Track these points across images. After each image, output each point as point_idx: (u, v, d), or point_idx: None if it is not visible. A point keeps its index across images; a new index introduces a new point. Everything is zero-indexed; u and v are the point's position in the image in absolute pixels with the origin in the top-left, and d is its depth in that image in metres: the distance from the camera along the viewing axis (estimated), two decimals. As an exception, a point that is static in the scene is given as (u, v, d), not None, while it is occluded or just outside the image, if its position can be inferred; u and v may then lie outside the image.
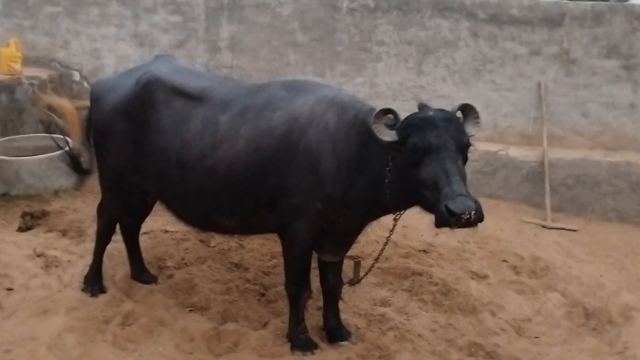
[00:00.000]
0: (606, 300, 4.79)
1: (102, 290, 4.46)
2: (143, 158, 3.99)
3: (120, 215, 4.52)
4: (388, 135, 3.22)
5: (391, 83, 7.13)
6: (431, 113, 3.27)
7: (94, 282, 4.47)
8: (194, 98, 3.90)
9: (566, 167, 6.46)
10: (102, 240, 4.55)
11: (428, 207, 3.26)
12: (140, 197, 4.38)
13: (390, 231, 3.93)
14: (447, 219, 3.00)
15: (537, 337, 4.36)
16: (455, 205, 2.97)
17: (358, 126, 3.59)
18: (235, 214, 3.90)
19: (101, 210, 4.53)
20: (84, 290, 4.43)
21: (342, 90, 3.93)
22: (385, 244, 4.10)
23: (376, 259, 4.26)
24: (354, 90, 7.15)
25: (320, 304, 4.29)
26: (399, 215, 3.73)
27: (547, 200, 6.40)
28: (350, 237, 4.05)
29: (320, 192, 3.61)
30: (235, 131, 3.74)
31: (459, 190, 3.03)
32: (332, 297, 4.18)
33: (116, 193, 4.37)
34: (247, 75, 7.32)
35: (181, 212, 4.18)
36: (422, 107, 3.44)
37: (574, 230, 6.25)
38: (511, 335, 4.36)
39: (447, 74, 6.96)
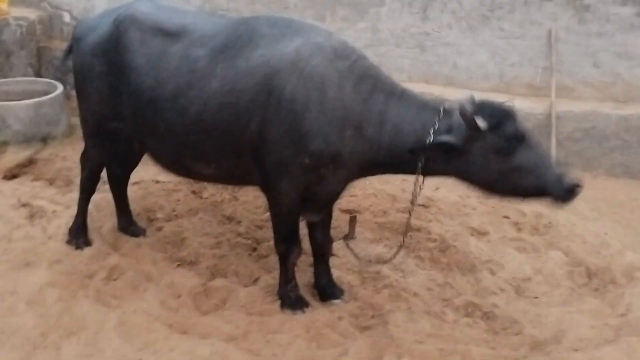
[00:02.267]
0: (610, 260, 4.62)
1: (88, 242, 4.31)
2: (121, 100, 3.78)
3: (103, 163, 4.36)
4: (481, 123, 3.16)
5: (394, 29, 6.79)
6: (505, 103, 3.38)
7: (78, 235, 4.32)
8: (172, 35, 3.66)
9: (574, 120, 6.18)
10: (86, 190, 4.38)
11: (495, 187, 3.37)
12: (125, 145, 4.16)
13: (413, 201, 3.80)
14: (572, 193, 3.25)
15: (536, 298, 4.21)
16: (574, 179, 3.23)
17: (355, 79, 3.40)
18: (211, 161, 3.68)
19: (84, 159, 4.36)
20: (68, 242, 4.28)
21: (333, 35, 3.61)
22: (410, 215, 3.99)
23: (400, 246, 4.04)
24: (355, 36, 6.84)
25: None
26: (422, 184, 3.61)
27: (553, 154, 6.16)
28: (334, 196, 3.83)
29: (307, 147, 3.38)
30: (211, 69, 3.49)
31: (559, 170, 3.28)
32: (321, 254, 4.03)
33: (98, 140, 4.18)
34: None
35: (157, 156, 3.98)
36: (471, 101, 3.32)
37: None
38: (510, 295, 4.22)
39: (453, 20, 6.61)
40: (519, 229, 5.16)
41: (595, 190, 6.00)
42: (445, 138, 3.25)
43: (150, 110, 3.67)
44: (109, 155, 4.28)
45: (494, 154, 3.23)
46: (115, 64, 3.78)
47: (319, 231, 3.99)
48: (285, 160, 3.44)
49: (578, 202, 5.67)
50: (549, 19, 6.34)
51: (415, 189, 3.62)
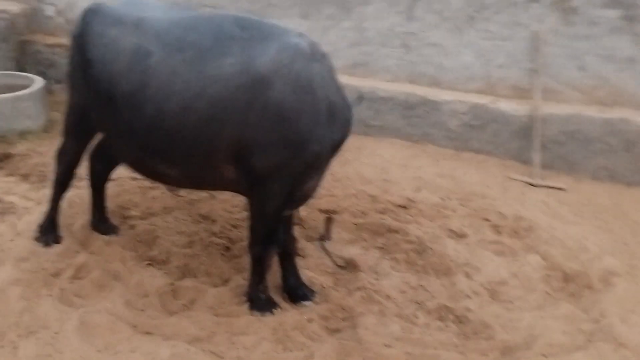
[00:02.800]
0: (587, 265, 4.56)
1: (57, 240, 4.23)
2: (87, 94, 3.73)
3: (79, 160, 4.26)
4: None
5: (380, 28, 6.73)
6: None
7: (48, 232, 4.24)
8: (128, 26, 3.57)
9: (558, 123, 6.13)
10: (60, 186, 4.30)
11: None
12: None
13: None
14: None
15: (511, 302, 4.15)
16: None
17: (329, 76, 3.47)
18: (175, 163, 3.59)
19: (61, 154, 4.26)
20: (37, 239, 4.21)
21: (302, 34, 3.52)
22: None
23: None
24: (340, 34, 6.81)
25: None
26: None
27: (537, 156, 6.12)
28: (315, 189, 3.81)
29: (304, 151, 3.36)
30: (170, 69, 3.38)
31: None
32: (287, 254, 3.95)
33: (76, 134, 4.12)
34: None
35: (120, 154, 3.92)
36: None
37: (563, 189, 5.98)
38: (484, 299, 4.16)
39: (439, 20, 6.56)
40: (499, 232, 5.10)
41: (579, 194, 5.95)
42: None
43: (108, 106, 3.60)
44: (83, 152, 4.21)
45: None
46: (82, 56, 3.72)
47: (283, 230, 3.90)
48: (278, 165, 3.39)
49: (560, 206, 5.69)
50: (535, 20, 6.29)
51: None
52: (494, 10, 6.39)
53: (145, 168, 3.79)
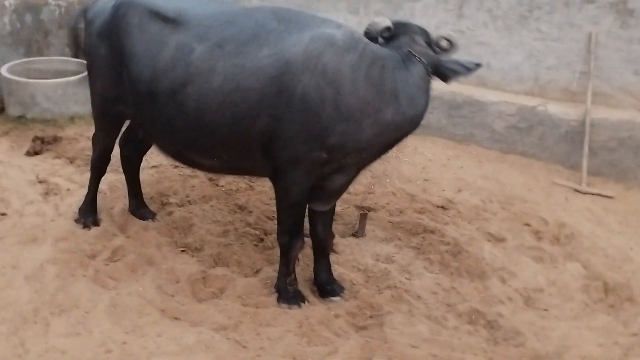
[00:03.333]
0: (630, 276, 4.40)
1: (96, 222, 4.34)
2: (124, 86, 3.76)
3: (112, 146, 4.35)
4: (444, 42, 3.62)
5: (428, 25, 6.48)
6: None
7: (87, 214, 4.35)
8: (170, 21, 3.58)
9: (609, 129, 5.92)
10: (96, 170, 4.40)
11: None
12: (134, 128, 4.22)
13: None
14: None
15: (546, 310, 4.03)
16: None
17: (366, 68, 3.33)
18: (213, 155, 3.64)
19: (95, 139, 4.37)
20: (76, 221, 4.33)
21: (341, 26, 3.49)
22: None
23: None
24: (387, 30, 6.72)
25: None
26: None
27: (585, 162, 5.92)
28: (349, 183, 3.78)
29: (325, 142, 3.33)
30: (210, 65, 3.41)
31: None
32: (321, 249, 3.95)
33: (105, 123, 4.20)
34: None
35: (159, 145, 3.96)
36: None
37: (610, 197, 5.77)
38: (518, 305, 4.06)
39: (489, 18, 6.42)
40: (539, 238, 4.97)
41: (627, 202, 5.74)
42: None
43: (149, 102, 3.63)
44: (114, 138, 4.29)
45: None
46: (116, 48, 3.76)
47: (321, 225, 3.91)
48: (300, 155, 3.40)
49: (606, 214, 5.50)
50: (590, 22, 6.08)
51: None
52: (547, 10, 6.21)
53: (185, 159, 3.87)
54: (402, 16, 6.67)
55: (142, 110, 3.73)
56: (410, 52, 3.38)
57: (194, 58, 3.43)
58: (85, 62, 4.21)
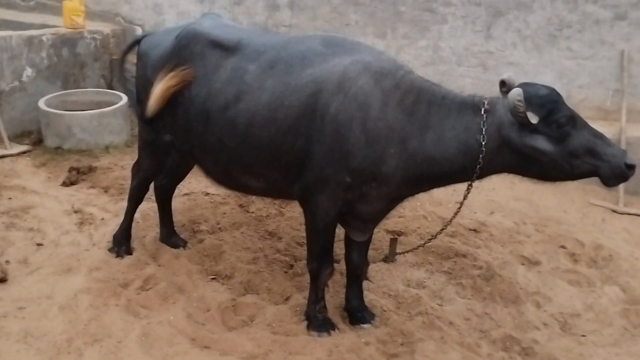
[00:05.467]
0: (672, 300, 4.27)
1: (129, 251, 4.41)
2: (177, 113, 3.84)
3: (154, 175, 4.44)
4: (532, 118, 3.09)
5: (456, 47, 6.63)
6: (546, 87, 3.21)
7: (121, 243, 4.42)
8: (228, 49, 3.71)
9: (646, 147, 5.80)
10: (134, 199, 4.48)
11: (553, 175, 3.26)
12: (175, 158, 4.30)
13: (464, 197, 3.65)
14: (627, 174, 3.16)
15: (583, 336, 3.93)
16: (631, 159, 3.15)
17: (400, 96, 3.32)
18: (259, 174, 3.69)
19: (136, 169, 4.47)
20: (110, 250, 4.40)
21: (383, 53, 3.60)
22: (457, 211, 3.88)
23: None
24: (416, 53, 6.75)
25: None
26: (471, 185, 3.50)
27: (621, 182, 5.79)
28: (380, 214, 3.74)
29: (349, 165, 3.33)
30: (260, 83, 3.51)
31: (619, 147, 3.30)
32: (355, 277, 3.93)
33: (151, 151, 4.28)
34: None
35: (207, 168, 4.01)
36: (509, 82, 3.23)
37: (649, 217, 5.64)
38: (554, 330, 3.96)
39: (518, 39, 6.38)
40: (575, 261, 4.86)
41: (666, 223, 5.59)
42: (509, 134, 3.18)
43: (202, 121, 3.71)
44: (157, 168, 4.38)
45: (549, 143, 3.11)
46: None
47: (357, 252, 3.90)
48: (326, 176, 3.41)
49: (645, 235, 5.35)
50: (622, 39, 6.01)
51: (467, 192, 3.59)
52: (577, 28, 6.15)
53: (231, 181, 3.91)
54: (430, 39, 6.69)
55: (193, 132, 3.80)
56: (481, 100, 3.25)
57: (247, 78, 3.54)
58: (125, 93, 4.29)
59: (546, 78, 6.29)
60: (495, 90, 6.13)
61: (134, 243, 4.54)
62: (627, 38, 5.98)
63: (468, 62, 6.61)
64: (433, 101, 3.33)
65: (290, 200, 4.58)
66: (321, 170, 3.40)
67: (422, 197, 5.69)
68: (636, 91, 6.00)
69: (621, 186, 5.75)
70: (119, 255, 4.35)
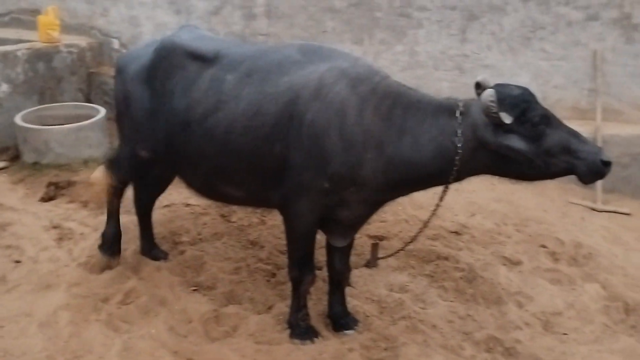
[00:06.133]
0: (651, 295, 4.31)
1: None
2: (157, 126, 3.84)
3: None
4: (506, 118, 3.08)
5: (432, 51, 6.68)
6: (519, 88, 3.21)
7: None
8: (207, 59, 3.71)
9: (621, 144, 5.87)
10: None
11: (529, 174, 3.25)
12: (156, 172, 4.31)
13: (440, 199, 3.62)
14: (604, 170, 3.15)
15: (565, 334, 3.95)
16: (607, 156, 3.14)
17: (377, 101, 3.33)
18: (240, 184, 3.68)
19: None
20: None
21: (360, 59, 3.62)
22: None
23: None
24: (393, 59, 6.79)
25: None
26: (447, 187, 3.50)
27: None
28: (360, 218, 3.74)
29: (327, 171, 3.33)
30: (238, 92, 3.51)
31: (595, 144, 3.25)
32: (337, 283, 3.92)
33: (133, 168, 4.26)
34: (283, 43, 7.06)
35: (188, 180, 4.00)
36: (484, 84, 3.28)
37: (627, 214, 5.70)
38: (536, 330, 3.98)
39: (493, 41, 6.45)
40: (556, 260, 4.90)
41: (644, 219, 5.66)
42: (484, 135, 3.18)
43: (182, 132, 3.71)
44: (140, 180, 4.39)
45: (524, 142, 3.12)
46: (154, 89, 3.85)
47: (338, 258, 3.90)
48: (304, 183, 3.41)
49: (624, 232, 5.41)
50: (595, 39, 6.09)
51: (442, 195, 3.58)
52: (551, 30, 6.22)
53: (213, 192, 3.91)
54: (406, 44, 6.74)
55: (174, 144, 3.79)
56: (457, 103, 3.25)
57: (225, 87, 3.55)
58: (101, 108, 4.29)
59: (522, 79, 6.34)
60: (473, 93, 6.18)
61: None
62: (599, 38, 6.06)
63: (444, 66, 6.66)
64: (409, 105, 3.35)
65: (271, 209, 4.59)
66: (300, 177, 3.40)
67: (403, 201, 5.73)
68: (610, 90, 6.08)
69: (599, 184, 5.82)
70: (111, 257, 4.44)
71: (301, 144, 3.35)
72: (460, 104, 3.26)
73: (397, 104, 3.35)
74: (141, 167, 4.22)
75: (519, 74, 6.34)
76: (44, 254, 4.50)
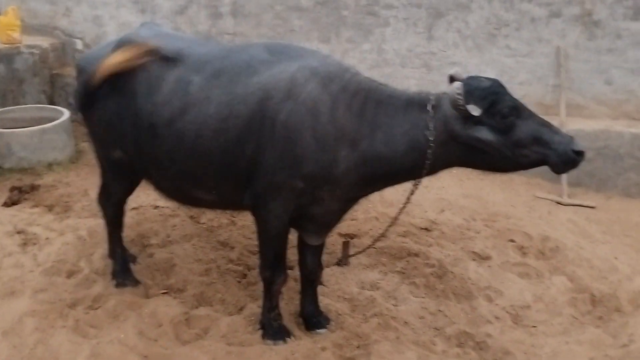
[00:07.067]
0: (617, 286, 4.40)
1: (134, 281, 4.25)
2: (123, 127, 3.73)
3: (127, 195, 4.29)
4: (474, 110, 3.09)
5: (399, 49, 6.71)
6: (489, 80, 3.24)
7: (125, 274, 4.26)
8: (169, 60, 3.61)
9: (585, 139, 5.93)
10: (114, 226, 4.35)
11: (501, 165, 3.27)
12: (125, 174, 4.15)
13: (411, 193, 3.60)
14: (576, 160, 3.09)
15: (534, 327, 4.02)
16: (579, 145, 3.07)
17: (348, 98, 3.32)
18: (211, 187, 3.62)
19: (104, 197, 4.29)
20: (117, 286, 4.18)
21: (329, 57, 3.60)
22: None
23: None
24: (360, 57, 6.80)
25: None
26: (418, 182, 3.50)
27: (564, 174, 5.96)
28: (335, 215, 3.72)
29: (301, 170, 3.31)
30: (206, 94, 3.44)
31: (566, 134, 3.17)
32: (309, 282, 3.91)
33: (111, 171, 4.12)
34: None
35: (158, 184, 3.91)
36: (457, 77, 3.29)
37: (592, 207, 5.81)
38: (506, 323, 4.03)
39: (459, 39, 6.50)
40: (524, 253, 4.97)
41: (609, 211, 5.78)
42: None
43: (149, 136, 3.62)
44: (125, 186, 4.23)
45: (494, 134, 3.13)
46: (116, 89, 3.74)
47: (310, 257, 3.88)
48: (278, 183, 3.38)
49: (589, 225, 5.51)
50: (558, 36, 6.19)
51: (412, 190, 3.58)
52: (515, 27, 6.30)
53: (183, 195, 3.83)
54: (373, 42, 6.76)
55: (142, 147, 3.69)
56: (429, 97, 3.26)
57: (191, 89, 3.47)
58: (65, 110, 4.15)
59: (488, 76, 6.41)
60: (440, 90, 6.20)
61: (82, 261, 4.42)
62: (562, 34, 6.16)
63: (412, 64, 6.69)
64: (380, 101, 3.35)
65: (241, 211, 4.55)
66: (273, 177, 3.37)
67: (373, 198, 5.76)
68: (573, 86, 6.18)
69: (564, 178, 5.93)
70: (129, 285, 4.19)
71: (274, 144, 3.32)
72: (432, 98, 3.28)
73: (369, 100, 3.35)
74: (117, 167, 4.10)
75: (485, 71, 6.40)
76: (8, 260, 4.37)
